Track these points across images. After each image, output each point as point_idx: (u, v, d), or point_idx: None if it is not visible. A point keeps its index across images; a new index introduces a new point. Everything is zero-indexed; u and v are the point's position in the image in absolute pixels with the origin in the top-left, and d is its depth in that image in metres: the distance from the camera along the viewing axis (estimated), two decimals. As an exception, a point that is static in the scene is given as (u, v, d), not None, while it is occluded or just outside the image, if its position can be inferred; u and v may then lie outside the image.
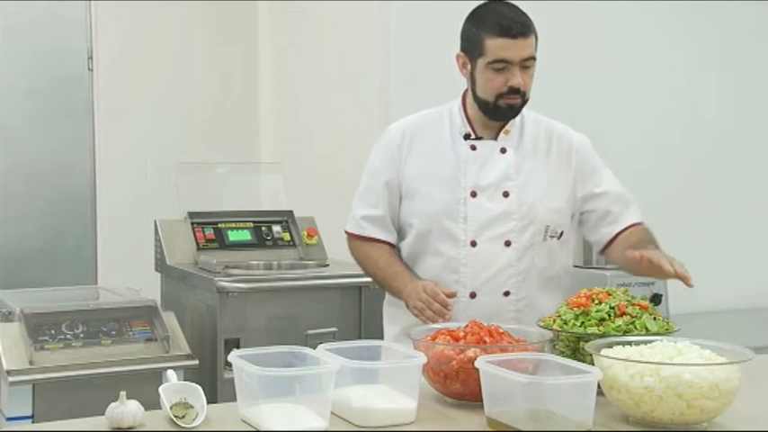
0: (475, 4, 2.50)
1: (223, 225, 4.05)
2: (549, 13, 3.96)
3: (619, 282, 3.52)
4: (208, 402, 1.88)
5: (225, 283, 3.53)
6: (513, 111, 2.49)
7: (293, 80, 4.86)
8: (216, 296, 3.53)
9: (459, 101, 2.59)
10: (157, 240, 4.02)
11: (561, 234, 2.57)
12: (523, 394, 1.73)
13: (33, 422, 3.10)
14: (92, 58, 4.72)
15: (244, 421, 1.83)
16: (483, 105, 2.50)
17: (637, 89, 4.17)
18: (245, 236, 4.06)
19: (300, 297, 3.68)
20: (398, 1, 3.95)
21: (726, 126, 4.37)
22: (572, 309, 2.10)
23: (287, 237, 4.10)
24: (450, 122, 2.58)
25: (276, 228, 4.12)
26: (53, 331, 3.24)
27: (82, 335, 3.27)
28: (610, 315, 2.06)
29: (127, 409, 1.79)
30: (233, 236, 4.04)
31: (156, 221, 4.04)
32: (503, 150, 2.53)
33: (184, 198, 4.09)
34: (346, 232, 2.67)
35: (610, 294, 2.12)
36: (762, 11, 4.41)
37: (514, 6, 2.47)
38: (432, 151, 2.56)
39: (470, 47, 2.48)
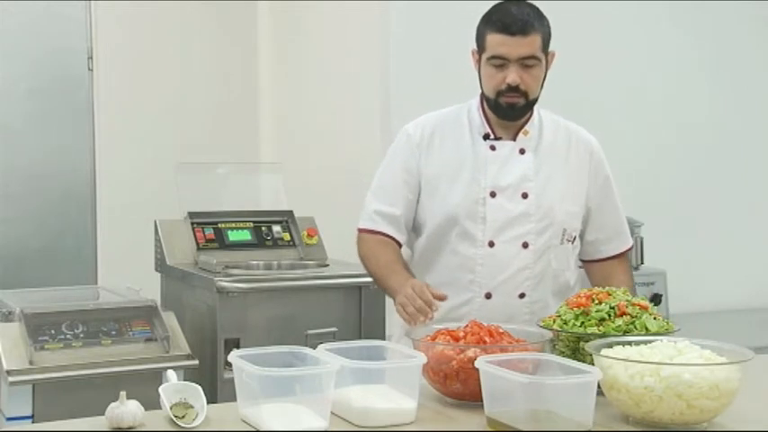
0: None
1: (223, 225, 4.05)
2: (547, 14, 3.97)
3: (619, 282, 3.52)
4: (208, 402, 1.88)
5: (225, 283, 3.53)
6: (515, 110, 2.47)
7: (293, 80, 4.86)
8: (216, 296, 3.52)
9: (476, 100, 2.57)
10: (157, 240, 4.02)
11: (575, 239, 2.57)
12: (523, 394, 1.73)
13: (33, 422, 3.10)
14: (92, 58, 4.72)
15: (244, 421, 1.83)
16: (488, 102, 2.50)
17: (635, 90, 4.17)
18: (245, 236, 4.06)
19: (300, 297, 3.67)
20: (398, 1, 3.96)
21: (724, 126, 4.37)
22: (572, 309, 2.10)
23: (287, 237, 4.10)
24: (469, 122, 2.56)
25: (276, 228, 4.12)
26: (53, 331, 3.24)
27: (82, 335, 3.27)
28: (610, 315, 2.06)
29: (127, 409, 1.79)
30: (233, 236, 4.04)
31: (156, 221, 4.04)
32: (522, 151, 2.52)
33: (184, 198, 4.09)
34: (359, 229, 2.61)
35: (610, 294, 2.12)
36: (759, 11, 4.41)
37: (529, 6, 2.46)
38: (451, 150, 2.54)
39: (478, 42, 2.48)
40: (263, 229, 4.10)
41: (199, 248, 3.92)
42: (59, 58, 4.72)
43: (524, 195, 2.49)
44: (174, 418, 1.81)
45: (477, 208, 2.48)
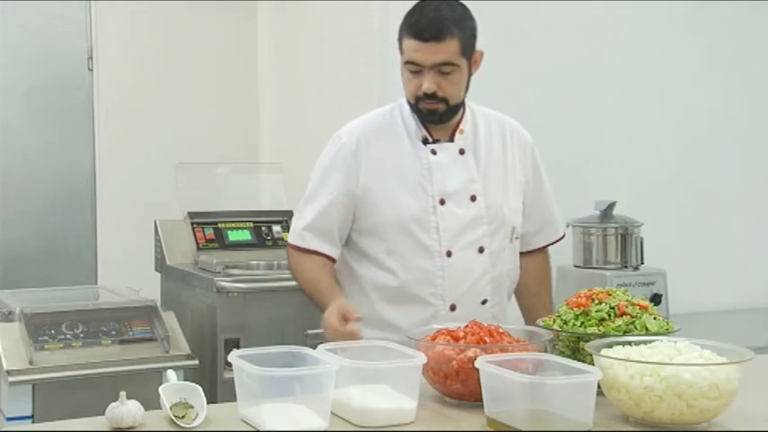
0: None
1: (223, 225, 4.05)
2: (553, 14, 3.97)
3: (619, 282, 3.53)
4: (208, 402, 1.88)
5: (225, 283, 3.53)
6: (436, 116, 2.38)
7: (293, 80, 4.86)
8: (216, 296, 3.53)
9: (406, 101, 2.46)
10: (157, 240, 4.02)
11: (518, 236, 2.53)
12: (523, 394, 1.73)
13: (33, 422, 3.10)
14: (92, 58, 4.72)
15: (244, 421, 1.83)
16: (410, 106, 2.41)
17: (641, 90, 4.16)
18: (245, 236, 4.07)
19: (300, 297, 3.63)
20: (399, 1, 3.95)
21: (727, 127, 4.36)
22: (572, 309, 2.10)
23: (287, 237, 4.10)
24: (404, 124, 2.45)
25: (276, 228, 4.13)
26: (53, 331, 3.24)
27: (82, 335, 3.27)
28: (610, 315, 2.06)
29: (127, 409, 1.79)
30: (233, 236, 4.04)
31: (156, 221, 4.04)
32: (461, 152, 2.44)
33: (184, 198, 4.10)
34: (288, 244, 2.53)
35: (610, 294, 2.12)
36: (766, 12, 4.40)
37: (449, 7, 2.33)
38: (392, 156, 2.42)
39: (399, 44, 2.38)
40: (263, 229, 4.11)
41: (199, 248, 3.93)
42: (59, 59, 4.72)
43: (473, 198, 2.41)
44: (174, 418, 1.81)
45: (428, 217, 2.38)
